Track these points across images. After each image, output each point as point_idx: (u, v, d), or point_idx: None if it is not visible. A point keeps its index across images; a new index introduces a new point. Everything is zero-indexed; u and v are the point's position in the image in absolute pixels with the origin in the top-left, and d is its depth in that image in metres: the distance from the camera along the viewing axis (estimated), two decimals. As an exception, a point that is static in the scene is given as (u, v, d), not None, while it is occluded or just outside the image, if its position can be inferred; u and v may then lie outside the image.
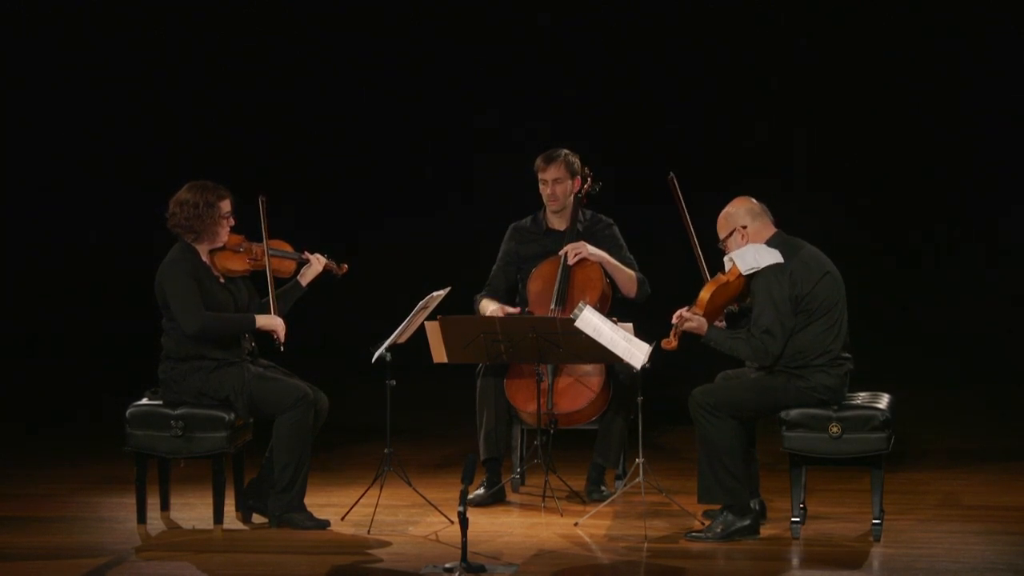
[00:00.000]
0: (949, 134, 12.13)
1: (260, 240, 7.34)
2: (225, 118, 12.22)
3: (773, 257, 6.89)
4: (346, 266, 7.54)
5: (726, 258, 6.99)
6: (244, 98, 12.26)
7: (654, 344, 7.11)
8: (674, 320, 6.92)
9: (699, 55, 12.21)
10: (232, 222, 7.27)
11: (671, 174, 7.36)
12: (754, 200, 7.03)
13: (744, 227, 6.98)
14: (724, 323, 7.15)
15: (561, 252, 7.81)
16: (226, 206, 7.23)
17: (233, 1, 12.22)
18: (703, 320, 6.92)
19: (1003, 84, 11.95)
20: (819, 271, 6.89)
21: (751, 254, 6.90)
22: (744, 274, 6.92)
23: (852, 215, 12.05)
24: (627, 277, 7.88)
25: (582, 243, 7.82)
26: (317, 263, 7.45)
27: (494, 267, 8.06)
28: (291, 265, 7.44)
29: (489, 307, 7.84)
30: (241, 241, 7.33)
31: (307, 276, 7.46)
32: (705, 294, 6.94)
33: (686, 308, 6.93)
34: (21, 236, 12.38)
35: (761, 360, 6.93)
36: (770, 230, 7.00)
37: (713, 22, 12.16)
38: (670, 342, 6.92)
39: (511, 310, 7.77)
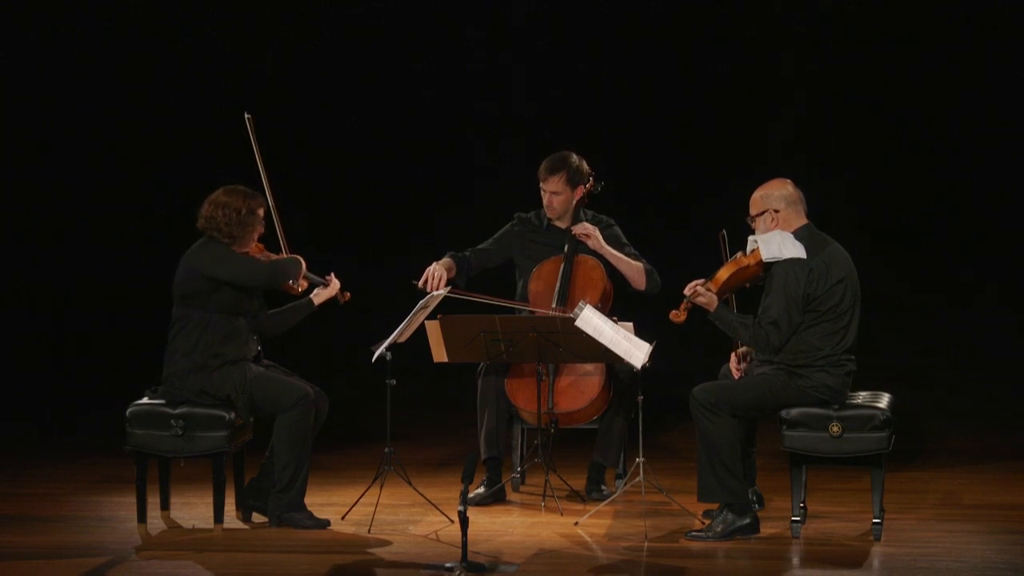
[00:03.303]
0: (952, 133, 12.14)
1: (278, 252, 7.40)
2: (224, 118, 12.21)
3: (797, 251, 6.87)
4: (348, 294, 7.56)
5: (751, 238, 6.97)
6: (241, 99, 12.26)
7: (654, 343, 7.12)
8: (687, 292, 6.91)
9: (700, 57, 12.23)
10: (262, 229, 7.31)
11: (722, 231, 7.22)
12: (792, 185, 6.99)
13: (777, 211, 6.96)
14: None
15: (574, 231, 7.80)
16: (262, 213, 7.28)
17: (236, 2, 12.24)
18: (714, 297, 6.92)
19: (1003, 91, 11.98)
20: (837, 276, 6.87)
21: (776, 242, 6.88)
22: (765, 261, 6.91)
23: (852, 214, 12.06)
24: (635, 269, 7.88)
25: (595, 228, 7.81)
26: (333, 288, 7.49)
27: (483, 243, 8.04)
28: (305, 284, 7.47)
29: (436, 265, 7.79)
30: (263, 251, 7.37)
31: (320, 297, 7.49)
32: (723, 273, 6.94)
33: (700, 282, 6.92)
34: (20, 236, 12.37)
35: (761, 349, 6.94)
36: (801, 220, 6.98)
37: (712, 23, 12.18)
38: (679, 315, 6.91)
39: (442, 284, 7.70)
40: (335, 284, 7.50)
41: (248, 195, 7.24)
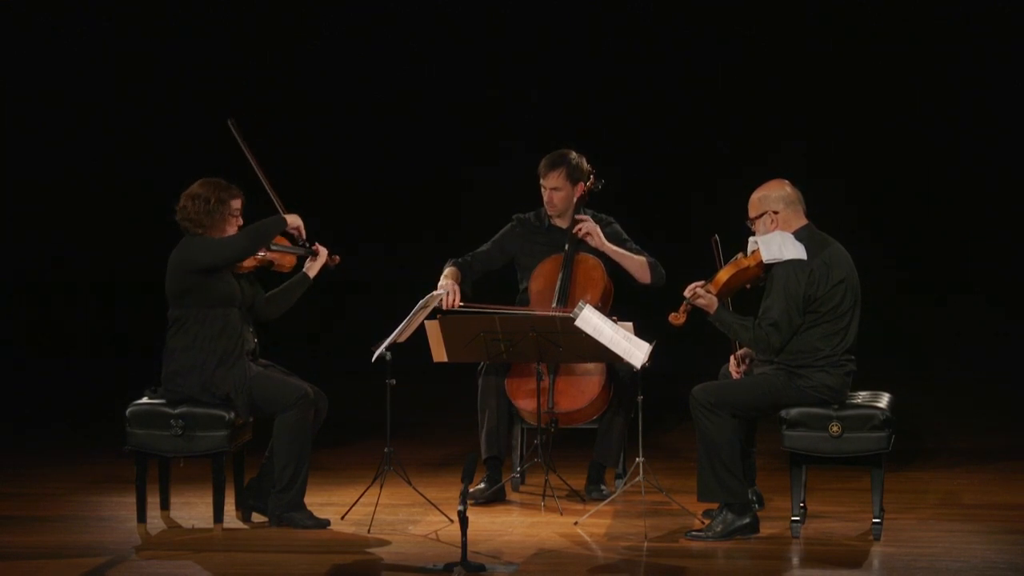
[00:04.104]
0: (951, 133, 12.15)
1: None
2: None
3: (797, 251, 6.86)
4: (337, 257, 7.56)
5: (751, 239, 6.96)
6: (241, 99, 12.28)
7: (654, 343, 7.11)
8: (687, 294, 6.90)
9: (699, 57, 12.23)
10: (240, 221, 7.29)
11: (715, 236, 7.20)
12: (790, 186, 6.98)
13: (776, 212, 6.95)
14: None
15: (576, 228, 7.79)
16: (236, 204, 7.26)
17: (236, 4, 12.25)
18: (714, 299, 6.91)
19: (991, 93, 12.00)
20: (838, 276, 6.86)
21: (777, 243, 6.87)
22: (765, 262, 6.90)
23: (852, 213, 12.06)
24: (638, 264, 7.87)
25: (596, 225, 7.81)
26: (322, 255, 7.49)
27: (483, 246, 8.04)
28: (293, 260, 7.47)
29: (446, 280, 7.79)
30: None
31: (314, 268, 7.49)
32: (723, 275, 6.94)
33: (700, 284, 6.92)
34: (20, 234, 12.38)
35: (761, 350, 6.93)
36: (801, 220, 6.98)
37: (713, 22, 12.18)
38: (678, 317, 6.91)
39: (458, 301, 7.72)
40: (323, 251, 7.49)
41: (221, 187, 7.23)
